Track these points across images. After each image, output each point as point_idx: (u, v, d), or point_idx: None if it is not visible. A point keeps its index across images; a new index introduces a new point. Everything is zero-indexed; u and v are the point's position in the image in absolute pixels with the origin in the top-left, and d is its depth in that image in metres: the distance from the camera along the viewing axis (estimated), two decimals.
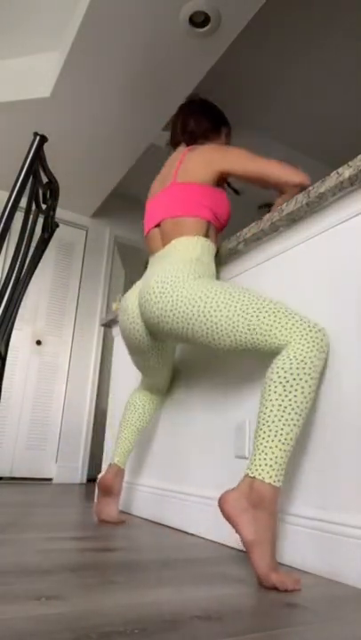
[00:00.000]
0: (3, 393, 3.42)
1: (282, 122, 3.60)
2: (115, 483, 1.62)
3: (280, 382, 1.03)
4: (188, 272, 1.30)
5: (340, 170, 1.13)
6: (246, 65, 3.08)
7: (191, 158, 1.49)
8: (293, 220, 1.31)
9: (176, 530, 1.57)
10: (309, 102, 3.38)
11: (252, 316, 1.14)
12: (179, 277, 1.29)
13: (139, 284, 1.49)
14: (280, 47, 2.93)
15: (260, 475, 0.97)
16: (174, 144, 1.67)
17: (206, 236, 1.45)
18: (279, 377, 1.03)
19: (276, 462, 0.97)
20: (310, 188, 1.22)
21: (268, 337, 1.12)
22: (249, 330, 1.14)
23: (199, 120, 1.62)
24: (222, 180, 1.53)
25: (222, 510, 0.97)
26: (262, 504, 0.95)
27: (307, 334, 1.07)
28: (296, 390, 1.02)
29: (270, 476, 0.96)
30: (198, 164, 1.47)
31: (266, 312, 1.14)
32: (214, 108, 1.68)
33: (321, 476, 1.08)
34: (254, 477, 0.97)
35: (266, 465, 0.97)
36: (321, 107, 3.41)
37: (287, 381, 1.02)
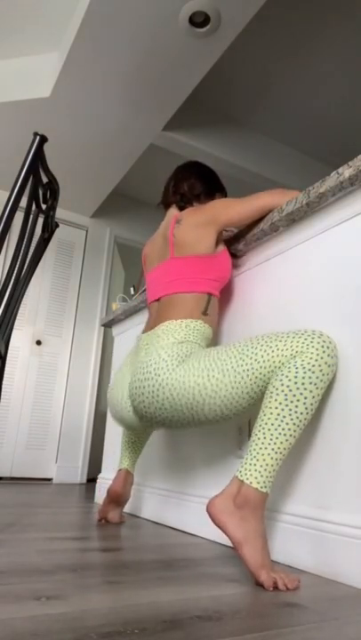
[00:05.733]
0: (3, 393, 3.42)
1: (281, 121, 3.60)
2: (124, 491, 1.62)
3: (282, 391, 1.01)
4: (171, 359, 1.23)
5: (340, 170, 1.13)
6: (245, 64, 3.08)
7: (182, 229, 1.40)
8: (293, 220, 1.31)
9: (176, 530, 1.57)
10: (309, 102, 3.38)
11: (252, 364, 1.08)
12: (163, 365, 1.22)
13: (122, 380, 1.42)
14: (279, 47, 2.93)
15: (248, 479, 0.97)
16: (166, 205, 1.59)
17: (205, 312, 1.36)
18: (282, 385, 1.01)
19: (265, 469, 0.98)
20: (310, 188, 1.22)
21: (274, 368, 1.05)
22: (256, 377, 1.08)
23: (193, 184, 1.54)
24: (221, 235, 1.45)
25: (210, 514, 0.98)
26: (248, 506, 0.96)
27: (314, 342, 1.03)
28: (298, 401, 1.00)
29: (258, 482, 0.97)
30: (193, 234, 1.39)
31: (261, 348, 1.09)
32: (211, 174, 1.60)
33: (322, 476, 1.08)
34: (243, 481, 0.98)
35: (255, 470, 0.98)
36: (321, 106, 3.41)
37: (290, 390, 1.00)
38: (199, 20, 2.24)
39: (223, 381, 1.12)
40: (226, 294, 1.59)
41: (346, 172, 1.11)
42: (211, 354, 1.19)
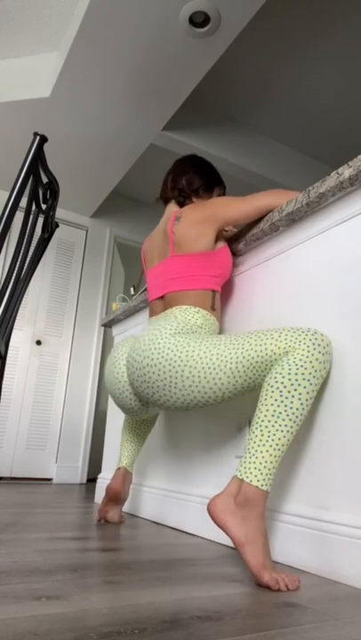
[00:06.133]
0: (3, 393, 3.42)
1: (281, 121, 3.60)
2: (123, 490, 1.62)
3: (277, 388, 1.02)
4: (181, 327, 1.27)
5: (340, 170, 1.13)
6: (245, 64, 3.08)
7: (182, 226, 1.41)
8: (293, 220, 1.31)
9: (176, 530, 1.57)
10: (309, 102, 3.38)
11: (243, 344, 1.11)
12: (172, 326, 1.26)
13: (124, 345, 1.44)
14: (279, 47, 2.93)
15: (247, 477, 0.98)
16: (164, 200, 1.59)
17: (212, 306, 1.38)
18: (277, 382, 1.02)
19: (265, 467, 0.98)
20: (310, 187, 1.22)
21: (265, 357, 1.07)
22: (245, 361, 1.09)
23: (191, 179, 1.54)
24: (221, 233, 1.46)
25: (211, 514, 0.99)
26: (249, 505, 0.96)
27: (306, 339, 1.05)
28: (293, 397, 1.00)
29: (258, 480, 0.97)
30: (193, 230, 1.39)
31: (256, 335, 1.11)
32: (210, 169, 1.60)
33: (321, 476, 1.08)
34: (242, 480, 0.98)
35: (255, 469, 0.98)
36: (321, 106, 3.41)
37: (285, 387, 1.01)
38: (199, 20, 2.24)
39: (211, 351, 1.15)
40: (226, 294, 1.59)
41: (346, 172, 1.11)
42: (211, 336, 1.23)
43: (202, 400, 1.19)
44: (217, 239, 1.43)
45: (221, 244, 1.44)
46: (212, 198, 1.45)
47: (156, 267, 1.49)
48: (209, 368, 1.14)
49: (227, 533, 0.95)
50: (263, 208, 1.38)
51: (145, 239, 1.63)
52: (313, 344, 1.04)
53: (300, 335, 1.06)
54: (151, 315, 1.51)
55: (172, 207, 1.54)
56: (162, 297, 1.46)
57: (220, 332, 1.59)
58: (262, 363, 1.08)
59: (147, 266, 1.58)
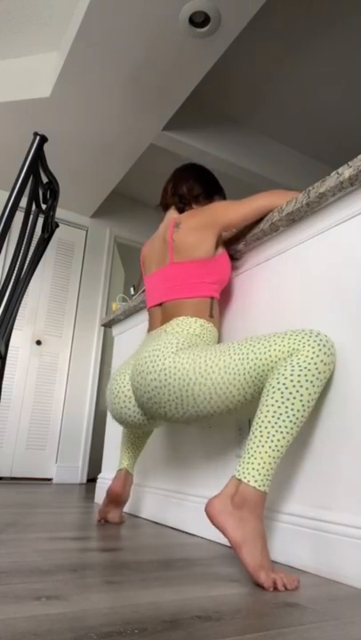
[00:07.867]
0: (3, 393, 3.42)
1: (281, 121, 3.60)
2: (124, 492, 1.62)
3: (278, 389, 1.01)
4: (181, 342, 1.26)
5: (340, 170, 1.13)
6: (245, 64, 3.08)
7: (182, 232, 1.40)
8: (293, 220, 1.31)
9: (176, 530, 1.57)
10: (309, 102, 3.38)
11: (248, 354, 1.10)
12: (172, 343, 1.25)
13: (125, 367, 1.43)
14: (279, 47, 2.93)
15: (245, 478, 0.97)
16: (164, 207, 1.59)
17: (211, 314, 1.38)
18: (278, 383, 1.02)
19: (263, 467, 0.98)
20: (310, 188, 1.22)
21: (271, 364, 1.06)
22: (252, 371, 1.09)
23: (191, 186, 1.54)
24: (221, 237, 1.45)
25: (208, 515, 0.98)
26: (246, 506, 0.95)
27: (311, 340, 1.04)
28: (295, 398, 1.00)
29: (256, 480, 0.97)
30: (193, 237, 1.39)
31: (259, 342, 1.10)
32: (209, 176, 1.60)
33: (322, 476, 1.08)
34: (240, 480, 0.98)
35: (253, 469, 0.98)
36: (321, 106, 3.41)
37: (286, 388, 1.01)
38: (199, 20, 2.24)
39: (218, 364, 1.14)
40: (226, 295, 1.59)
41: (346, 172, 1.11)
42: (213, 346, 1.22)
43: (216, 412, 1.19)
44: (217, 244, 1.43)
45: (221, 250, 1.44)
46: (212, 203, 1.44)
47: (155, 273, 1.49)
48: (218, 383, 1.13)
49: (224, 535, 0.95)
50: (262, 209, 1.38)
51: (145, 243, 1.63)
52: (318, 345, 1.03)
53: (303, 337, 1.05)
54: (150, 321, 1.50)
55: (172, 213, 1.54)
56: (160, 304, 1.45)
57: (220, 334, 1.59)
58: (270, 370, 1.06)
59: (145, 271, 1.58)
